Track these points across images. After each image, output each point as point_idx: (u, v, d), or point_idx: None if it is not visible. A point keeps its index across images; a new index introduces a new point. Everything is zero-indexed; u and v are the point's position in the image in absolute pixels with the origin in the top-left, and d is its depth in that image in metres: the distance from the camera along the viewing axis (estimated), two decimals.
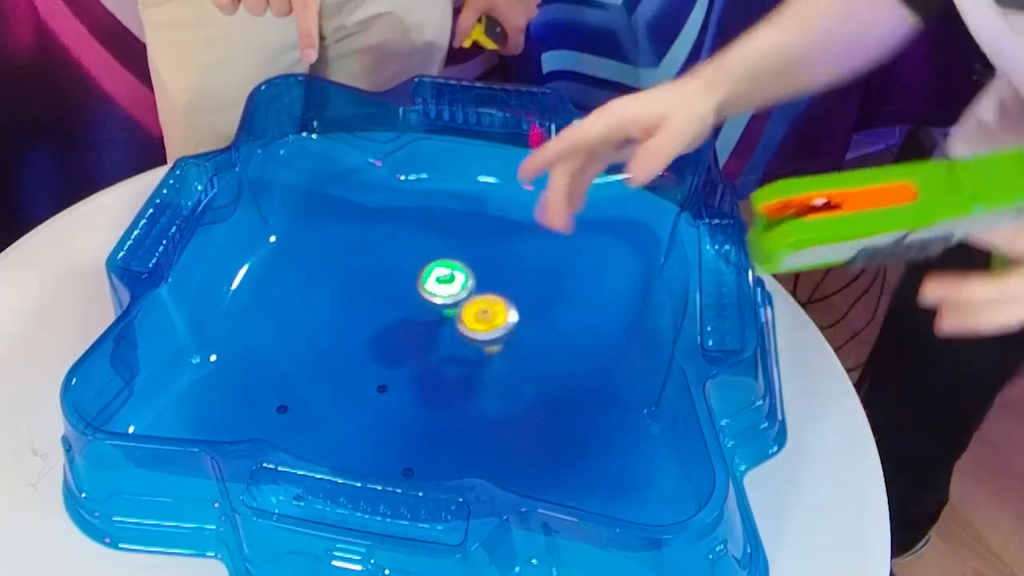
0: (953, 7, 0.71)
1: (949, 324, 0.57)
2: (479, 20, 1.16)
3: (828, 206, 0.57)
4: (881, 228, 0.57)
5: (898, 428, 0.96)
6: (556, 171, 0.73)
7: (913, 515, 1.38)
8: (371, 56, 1.12)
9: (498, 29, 1.17)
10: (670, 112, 0.70)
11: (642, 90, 0.73)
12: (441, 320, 0.83)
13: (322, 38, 1.08)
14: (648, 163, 0.69)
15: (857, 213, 0.57)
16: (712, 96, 0.71)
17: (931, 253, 0.60)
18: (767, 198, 0.58)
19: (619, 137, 0.71)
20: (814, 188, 0.58)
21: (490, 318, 0.80)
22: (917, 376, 1.07)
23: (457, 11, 1.15)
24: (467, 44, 1.18)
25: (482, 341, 0.79)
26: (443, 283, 0.83)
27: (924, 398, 1.10)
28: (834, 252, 0.58)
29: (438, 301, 0.82)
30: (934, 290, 0.57)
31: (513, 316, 0.79)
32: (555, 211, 0.73)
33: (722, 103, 0.72)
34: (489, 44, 1.18)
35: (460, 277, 0.84)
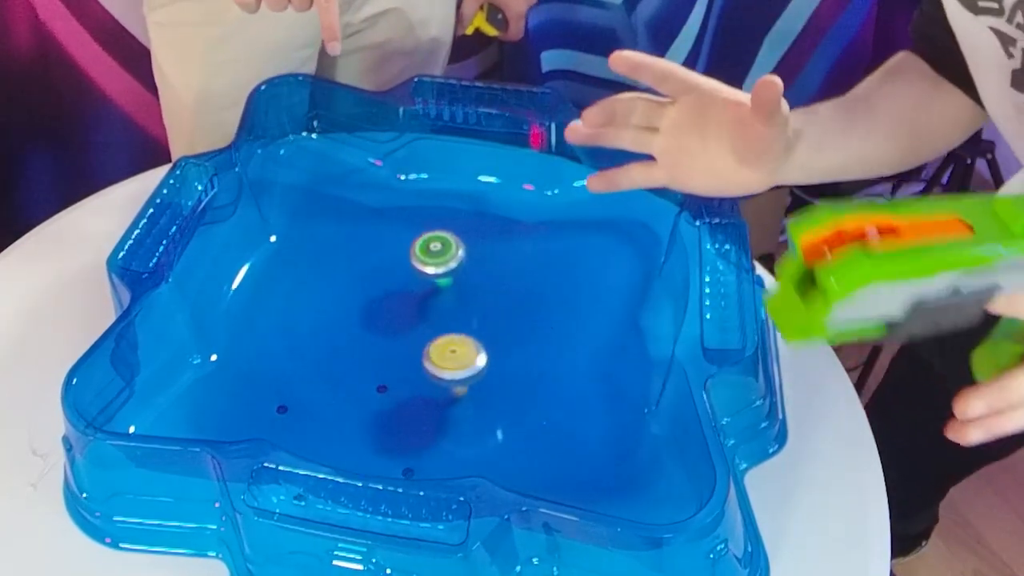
0: None
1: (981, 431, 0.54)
2: (480, 8, 1.18)
3: (884, 236, 0.48)
4: (957, 261, 0.48)
5: (908, 455, 0.94)
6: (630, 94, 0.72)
7: (908, 536, 1.38)
8: (377, 53, 1.12)
9: (499, 16, 1.20)
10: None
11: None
12: (437, 293, 0.84)
13: None
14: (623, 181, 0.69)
15: (927, 244, 0.48)
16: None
17: (972, 317, 0.53)
18: (811, 228, 0.48)
19: (697, 107, 0.69)
20: (864, 216, 0.48)
21: (459, 357, 0.75)
22: (931, 408, 1.03)
23: (459, 4, 1.17)
24: (469, 31, 1.20)
25: (451, 381, 0.75)
26: (434, 255, 0.83)
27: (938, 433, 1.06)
28: (887, 303, 0.49)
29: (430, 271, 0.83)
30: (976, 403, 0.54)
31: (482, 359, 0.75)
32: (596, 108, 0.72)
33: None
34: (491, 31, 1.21)
35: (451, 247, 0.83)
